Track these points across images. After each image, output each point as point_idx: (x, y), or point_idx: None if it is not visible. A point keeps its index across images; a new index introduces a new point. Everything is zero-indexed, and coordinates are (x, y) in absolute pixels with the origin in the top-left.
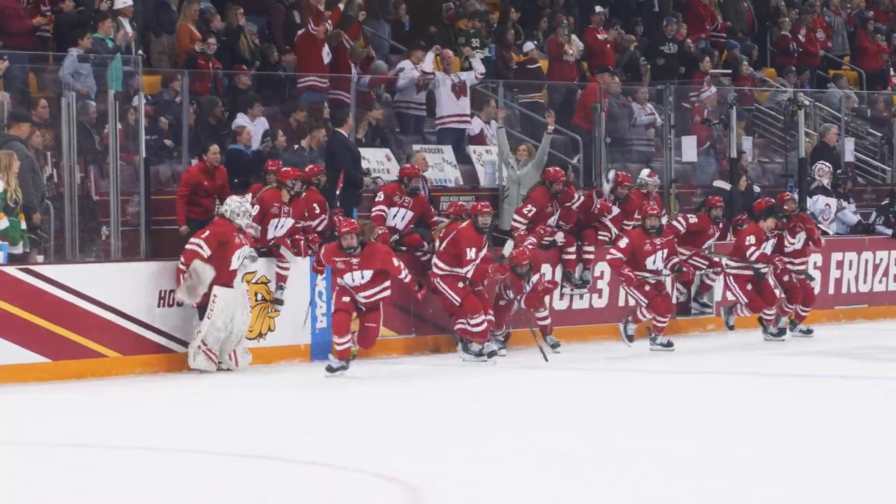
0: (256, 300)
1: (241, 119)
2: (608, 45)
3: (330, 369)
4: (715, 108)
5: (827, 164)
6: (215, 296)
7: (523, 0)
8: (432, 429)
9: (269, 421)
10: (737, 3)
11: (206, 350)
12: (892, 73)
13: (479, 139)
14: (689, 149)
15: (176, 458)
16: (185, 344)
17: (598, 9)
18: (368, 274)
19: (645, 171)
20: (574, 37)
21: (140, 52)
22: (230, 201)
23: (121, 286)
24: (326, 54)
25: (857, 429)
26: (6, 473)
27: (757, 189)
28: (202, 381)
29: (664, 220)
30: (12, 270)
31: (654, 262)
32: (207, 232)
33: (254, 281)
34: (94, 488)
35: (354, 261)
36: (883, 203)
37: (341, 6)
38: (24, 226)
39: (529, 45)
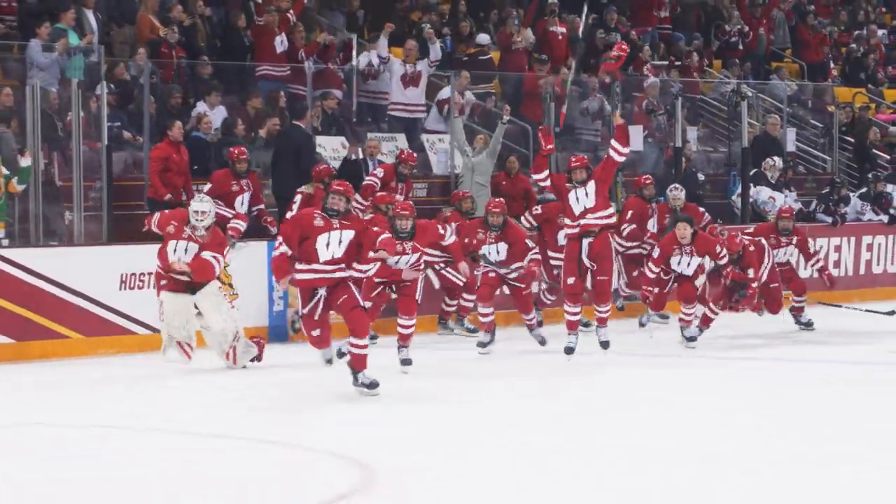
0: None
1: (200, 107)
2: (560, 37)
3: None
4: (658, 98)
5: (776, 158)
6: (161, 301)
7: None
8: (407, 419)
9: (232, 400)
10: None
11: (178, 342)
12: (832, 65)
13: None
14: (636, 137)
15: (143, 439)
16: (147, 326)
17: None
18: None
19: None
20: (525, 28)
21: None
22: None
23: (84, 269)
24: (280, 43)
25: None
26: None
27: (701, 177)
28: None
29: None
30: None
31: None
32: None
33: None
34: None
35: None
36: (823, 192)
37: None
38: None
39: (484, 38)
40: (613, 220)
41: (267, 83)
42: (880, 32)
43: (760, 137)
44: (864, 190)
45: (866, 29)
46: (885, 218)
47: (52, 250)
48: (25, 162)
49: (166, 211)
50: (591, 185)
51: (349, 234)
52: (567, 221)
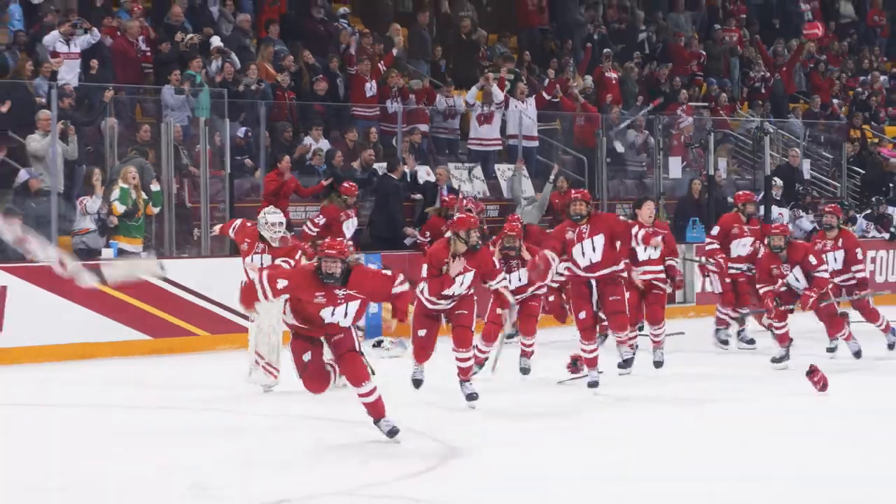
0: None
1: (307, 140)
2: (613, 81)
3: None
4: (693, 134)
5: (777, 179)
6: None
7: (539, 44)
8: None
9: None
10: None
11: (264, 365)
12: (836, 104)
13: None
14: (675, 167)
15: (249, 420)
16: None
17: (605, 51)
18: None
19: None
20: (580, 75)
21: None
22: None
23: (209, 277)
24: (369, 88)
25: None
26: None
27: (730, 200)
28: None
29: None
30: None
31: None
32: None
33: None
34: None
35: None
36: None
37: (395, 52)
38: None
39: (546, 82)
40: (621, 267)
41: (362, 122)
42: (882, 78)
43: (782, 167)
44: (868, 211)
45: (870, 75)
46: (886, 235)
47: (182, 261)
48: (155, 187)
49: (245, 224)
50: (600, 238)
51: (355, 306)
52: (572, 267)
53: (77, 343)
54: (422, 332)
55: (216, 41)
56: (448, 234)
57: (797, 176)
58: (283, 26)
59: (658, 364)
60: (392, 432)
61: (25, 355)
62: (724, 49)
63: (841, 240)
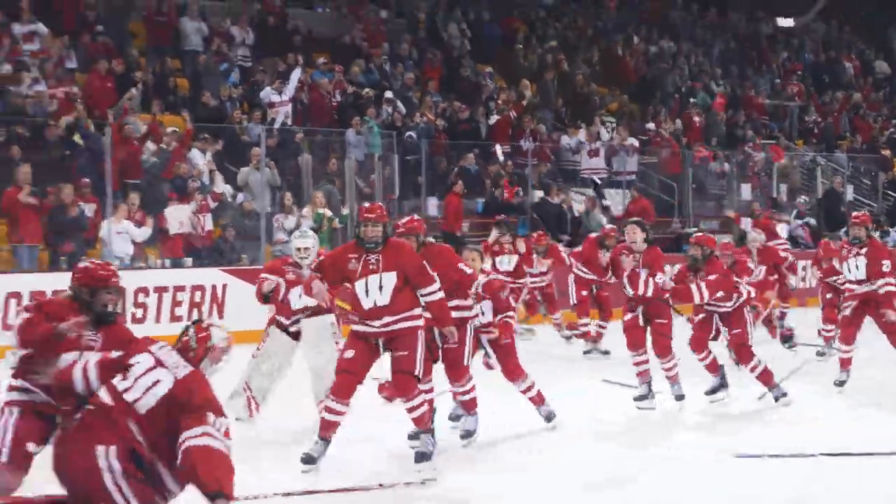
0: None
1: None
2: (698, 125)
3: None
4: (761, 165)
5: (805, 197)
6: (267, 334)
7: (637, 95)
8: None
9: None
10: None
11: (249, 396)
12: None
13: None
14: (746, 191)
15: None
16: None
17: (691, 100)
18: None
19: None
20: (671, 119)
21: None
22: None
23: None
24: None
25: None
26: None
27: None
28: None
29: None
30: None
31: None
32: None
33: None
34: None
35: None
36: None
37: (524, 103)
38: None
39: (651, 125)
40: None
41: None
42: None
43: (829, 191)
44: None
45: None
46: None
47: None
48: (345, 211)
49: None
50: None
51: (391, 279)
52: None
53: None
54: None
55: (387, 94)
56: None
57: (842, 199)
58: (439, 82)
59: (679, 398)
60: (423, 456)
61: (239, 338)
62: (785, 99)
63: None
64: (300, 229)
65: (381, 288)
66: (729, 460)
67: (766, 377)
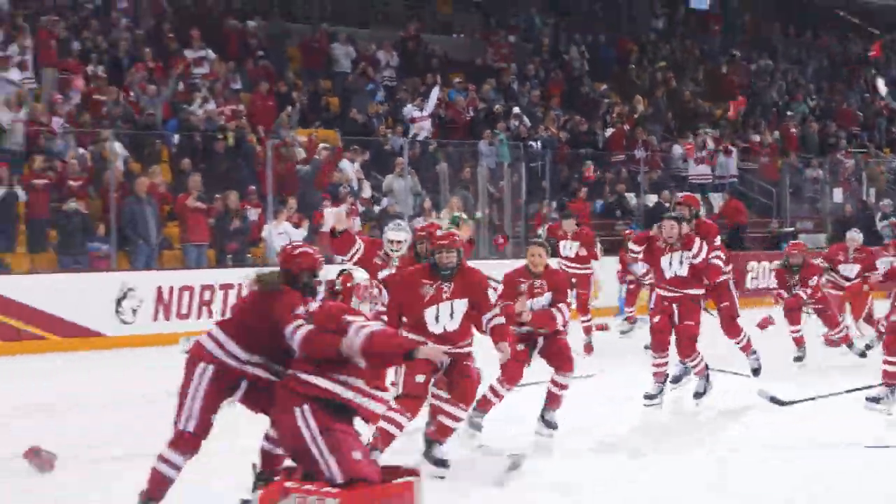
0: None
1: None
2: (794, 135)
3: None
4: (852, 171)
5: (888, 200)
6: None
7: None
8: None
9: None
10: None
11: None
12: None
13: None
14: (838, 195)
15: None
16: None
17: (788, 113)
18: None
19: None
20: (769, 131)
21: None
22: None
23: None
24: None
25: None
26: None
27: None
28: None
29: None
30: None
31: None
32: None
33: None
34: None
35: None
36: None
37: (636, 116)
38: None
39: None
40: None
41: (616, 165)
42: None
43: None
44: None
45: None
46: None
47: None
48: (479, 214)
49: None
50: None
51: (461, 305)
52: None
53: None
54: None
55: (515, 109)
56: None
57: None
58: (561, 98)
59: (698, 395)
60: (438, 464)
61: None
62: (874, 111)
63: None
64: (394, 222)
65: (451, 315)
66: (729, 460)
67: (746, 348)
